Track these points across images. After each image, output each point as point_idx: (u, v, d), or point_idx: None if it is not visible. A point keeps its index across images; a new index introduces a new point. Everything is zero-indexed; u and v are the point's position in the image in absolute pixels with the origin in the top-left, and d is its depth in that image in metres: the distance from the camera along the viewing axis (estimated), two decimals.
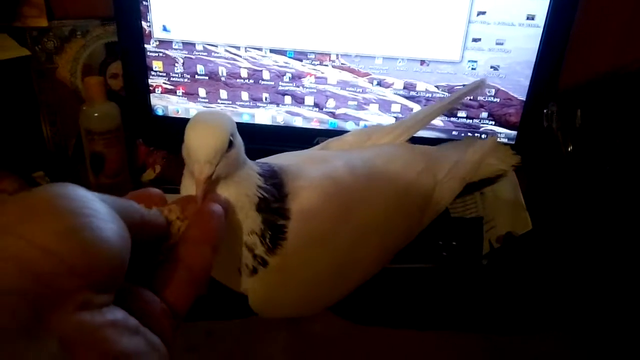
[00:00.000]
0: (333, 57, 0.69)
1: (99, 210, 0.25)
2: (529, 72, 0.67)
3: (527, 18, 0.64)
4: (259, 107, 0.73)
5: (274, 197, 0.45)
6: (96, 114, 0.71)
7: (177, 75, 0.72)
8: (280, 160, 0.50)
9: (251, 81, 0.72)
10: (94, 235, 0.23)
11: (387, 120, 0.72)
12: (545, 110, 0.65)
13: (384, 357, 0.53)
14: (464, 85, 0.68)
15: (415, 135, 0.61)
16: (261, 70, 0.71)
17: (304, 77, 0.71)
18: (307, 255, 0.46)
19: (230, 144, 0.40)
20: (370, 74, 0.69)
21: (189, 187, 0.43)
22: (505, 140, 0.72)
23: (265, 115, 0.74)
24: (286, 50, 0.69)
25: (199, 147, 0.39)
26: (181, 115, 0.76)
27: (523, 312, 0.59)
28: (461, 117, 0.71)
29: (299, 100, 0.72)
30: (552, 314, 0.58)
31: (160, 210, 0.35)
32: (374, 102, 0.71)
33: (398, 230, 0.53)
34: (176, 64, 0.71)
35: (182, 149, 0.42)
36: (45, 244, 0.22)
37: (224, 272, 0.46)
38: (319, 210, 0.47)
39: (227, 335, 0.55)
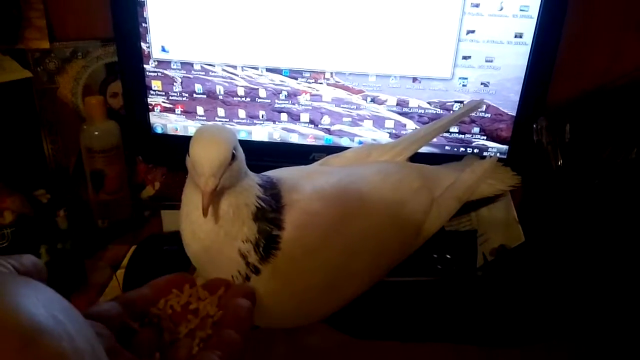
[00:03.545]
0: (327, 75, 0.71)
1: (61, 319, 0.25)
2: (518, 87, 0.68)
3: (515, 36, 0.66)
4: (255, 124, 0.75)
5: (271, 207, 0.46)
6: (96, 133, 0.72)
7: (175, 94, 0.74)
8: (279, 173, 0.51)
9: (248, 99, 0.73)
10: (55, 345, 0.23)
11: (382, 136, 0.74)
12: (535, 125, 0.67)
13: None
14: (455, 101, 0.70)
15: None
16: (257, 89, 0.72)
17: (299, 95, 0.72)
18: (299, 266, 0.47)
19: (233, 156, 0.42)
20: (364, 91, 0.71)
21: (191, 197, 0.45)
22: (498, 155, 0.73)
23: (262, 133, 0.75)
24: (282, 69, 0.71)
25: (204, 160, 0.41)
26: (180, 133, 0.77)
27: (518, 323, 0.60)
28: (453, 133, 0.73)
29: (294, 118, 0.74)
30: (547, 324, 0.59)
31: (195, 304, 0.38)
32: (368, 119, 0.73)
33: (392, 246, 0.54)
34: (175, 83, 0.73)
35: (186, 161, 0.44)
36: None
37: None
38: (312, 222, 0.48)
39: None
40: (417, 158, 0.62)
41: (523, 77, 0.68)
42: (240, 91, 0.73)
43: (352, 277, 0.51)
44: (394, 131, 0.73)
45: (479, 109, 0.70)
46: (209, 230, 0.45)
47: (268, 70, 0.71)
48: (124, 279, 0.63)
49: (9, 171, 0.71)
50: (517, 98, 0.69)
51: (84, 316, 0.28)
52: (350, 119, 0.73)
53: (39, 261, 0.31)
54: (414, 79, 0.70)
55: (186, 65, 0.72)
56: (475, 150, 0.74)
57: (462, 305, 0.62)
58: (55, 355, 0.23)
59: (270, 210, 0.46)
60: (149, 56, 0.72)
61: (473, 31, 0.66)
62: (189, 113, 0.75)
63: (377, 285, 0.56)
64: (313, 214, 0.48)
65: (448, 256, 0.68)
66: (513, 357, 0.56)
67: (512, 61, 0.67)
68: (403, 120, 0.73)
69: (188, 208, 0.46)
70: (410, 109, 0.72)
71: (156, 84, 0.74)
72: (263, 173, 0.51)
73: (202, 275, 0.51)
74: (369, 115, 0.73)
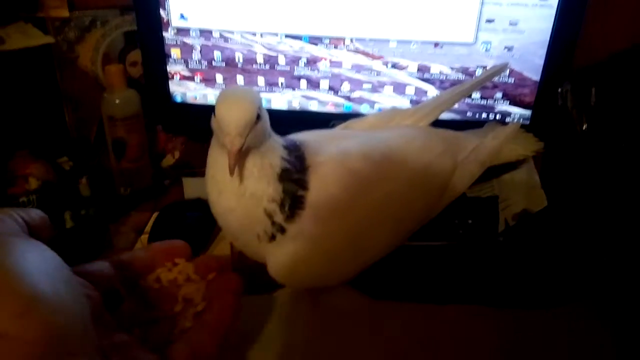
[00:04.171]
0: (347, 41, 0.70)
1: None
2: (543, 51, 0.67)
3: None
4: (274, 92, 0.75)
5: (296, 168, 0.46)
6: (117, 101, 0.73)
7: (194, 62, 0.74)
8: (302, 136, 0.51)
9: (267, 66, 0.73)
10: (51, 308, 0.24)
11: (402, 102, 0.73)
12: (559, 89, 0.66)
13: (404, 330, 0.54)
14: (478, 66, 0.69)
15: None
16: (277, 56, 0.72)
17: (319, 62, 0.72)
18: (324, 226, 0.47)
19: (258, 116, 0.42)
20: (384, 57, 0.70)
21: (217, 158, 0.45)
22: (521, 121, 0.72)
23: (281, 100, 0.75)
24: (301, 35, 0.70)
25: (230, 120, 0.41)
26: (199, 101, 0.77)
27: (541, 286, 0.60)
28: (475, 98, 0.72)
29: (314, 85, 0.74)
30: (570, 287, 0.59)
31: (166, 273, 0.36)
32: (388, 85, 0.72)
33: (415, 208, 0.55)
34: (194, 51, 0.73)
35: (211, 122, 0.44)
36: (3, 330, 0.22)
37: (243, 238, 0.48)
38: (336, 184, 0.48)
39: (249, 308, 0.57)
40: (438, 124, 0.61)
41: (548, 40, 0.66)
42: (260, 58, 0.72)
43: (375, 238, 0.52)
44: (414, 97, 0.73)
45: (502, 73, 0.69)
46: (235, 191, 0.45)
47: (287, 36, 0.70)
48: (148, 243, 0.64)
49: (33, 139, 0.72)
50: (541, 62, 0.68)
51: (76, 273, 0.29)
52: (370, 86, 0.73)
53: (46, 216, 0.31)
54: (436, 44, 0.69)
55: (205, 32, 0.71)
56: (498, 116, 0.73)
57: (484, 268, 0.62)
58: (47, 328, 0.23)
59: (294, 171, 0.47)
60: (168, 24, 0.71)
61: None
62: (208, 81, 0.75)
63: (399, 249, 0.56)
64: (337, 175, 0.49)
65: (469, 221, 0.68)
66: (536, 318, 0.56)
67: (537, 24, 0.66)
68: (424, 86, 0.72)
69: (214, 169, 0.46)
70: (431, 75, 0.71)
71: (175, 52, 0.73)
72: (286, 136, 0.51)
73: (228, 237, 0.52)
74: (389, 82, 0.72)
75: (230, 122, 0.41)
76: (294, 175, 0.46)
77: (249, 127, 0.42)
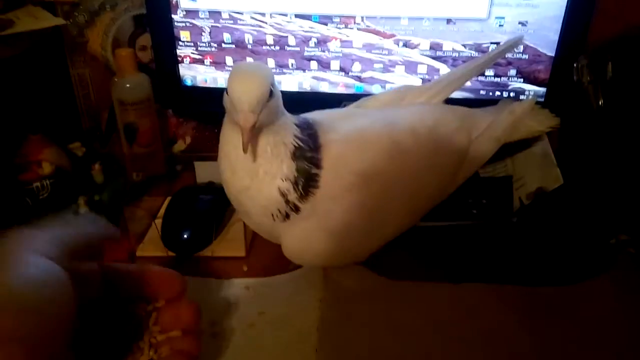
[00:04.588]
0: (358, 20, 0.69)
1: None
2: (558, 26, 0.66)
3: None
4: (285, 73, 0.74)
5: (309, 146, 0.46)
6: (128, 85, 0.73)
7: (204, 45, 0.73)
8: (315, 115, 0.51)
9: (277, 47, 0.72)
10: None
11: (414, 82, 0.72)
12: (575, 64, 0.64)
13: (419, 310, 0.54)
14: (491, 42, 0.68)
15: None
16: (286, 36, 0.71)
17: (329, 42, 0.71)
18: (338, 205, 0.47)
19: (271, 93, 0.42)
20: (395, 35, 0.69)
21: (230, 136, 0.45)
22: (535, 98, 0.71)
23: (292, 82, 0.75)
24: (311, 15, 0.69)
25: (243, 96, 0.41)
26: (209, 85, 0.77)
27: (558, 263, 0.60)
28: (489, 76, 0.71)
29: (324, 65, 0.73)
30: (588, 263, 0.58)
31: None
32: (400, 64, 0.71)
33: (430, 185, 0.54)
34: (203, 34, 0.72)
35: (223, 100, 0.44)
36: None
37: (257, 218, 0.48)
38: (350, 162, 0.48)
39: (264, 289, 0.57)
40: (452, 103, 0.60)
41: (563, 14, 0.65)
42: (269, 39, 0.72)
43: (390, 217, 0.51)
44: (426, 76, 0.72)
45: (516, 50, 0.67)
46: (249, 169, 0.45)
47: (297, 16, 0.70)
48: (163, 227, 0.64)
49: (45, 125, 0.72)
50: (556, 37, 0.66)
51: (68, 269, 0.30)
52: (381, 65, 0.72)
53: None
54: (448, 21, 0.67)
55: (214, 14, 0.71)
56: (512, 94, 0.72)
57: (499, 247, 0.61)
58: (16, 326, 0.25)
59: (308, 150, 0.46)
60: (177, 6, 0.71)
61: None
62: (218, 64, 0.75)
63: (412, 230, 0.56)
64: (351, 153, 0.48)
65: (484, 201, 0.67)
66: (553, 295, 0.56)
67: None
68: (436, 64, 0.71)
69: (227, 148, 0.46)
70: (444, 53, 0.70)
71: (185, 35, 0.73)
72: (299, 115, 0.50)
73: (242, 217, 0.52)
74: (401, 61, 0.71)
75: (242, 99, 0.41)
76: (308, 153, 0.46)
77: (262, 104, 0.41)
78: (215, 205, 0.67)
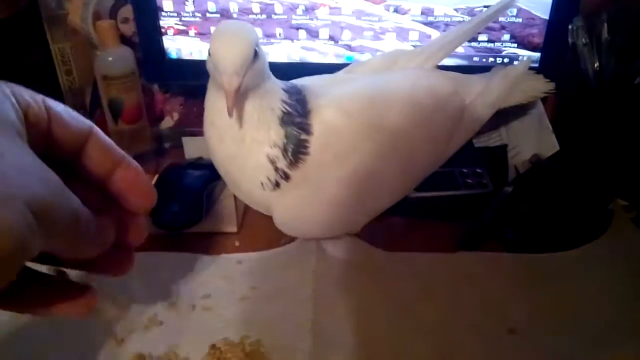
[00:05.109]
0: None
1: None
2: None
3: None
4: (272, 44, 0.72)
5: (297, 112, 0.44)
6: (110, 58, 0.70)
7: (188, 15, 0.71)
8: (303, 80, 0.49)
9: (263, 16, 0.70)
10: None
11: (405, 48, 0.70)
12: (569, 26, 0.63)
13: (413, 280, 0.53)
14: (484, 6, 0.66)
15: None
16: (273, 4, 0.69)
17: (317, 9, 0.69)
18: (329, 171, 0.46)
19: (256, 54, 0.40)
20: (386, 1, 0.67)
21: (214, 102, 0.43)
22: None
23: (280, 53, 0.72)
24: None
25: (226, 57, 0.39)
26: (195, 57, 0.74)
27: (554, 230, 0.59)
28: (482, 42, 0.69)
29: (313, 34, 0.71)
30: (585, 229, 0.58)
31: None
32: (390, 31, 0.69)
33: (423, 152, 0.52)
34: (186, 3, 0.70)
35: (206, 63, 0.42)
36: None
37: (246, 188, 0.46)
38: (341, 127, 0.46)
39: (257, 264, 0.56)
40: (445, 70, 0.59)
41: None
42: (255, 7, 0.69)
43: (382, 184, 0.50)
44: (418, 44, 0.70)
45: (510, 13, 0.65)
46: (235, 136, 0.43)
47: None
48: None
49: None
50: None
51: None
52: (372, 33, 0.70)
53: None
54: None
55: None
56: (506, 60, 0.70)
57: (494, 216, 0.60)
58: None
59: (296, 115, 0.45)
60: None
61: None
62: (203, 35, 0.72)
63: (404, 200, 0.55)
64: (341, 119, 0.46)
65: (478, 170, 0.66)
66: (552, 261, 0.55)
67: None
68: (428, 30, 0.69)
69: (212, 115, 0.44)
70: (435, 18, 0.68)
71: (167, 4, 0.70)
72: (287, 81, 0.49)
73: (231, 188, 0.50)
74: (391, 28, 0.69)
75: (226, 60, 0.39)
76: (297, 119, 0.44)
77: (246, 65, 0.39)
78: (204, 180, 0.65)
